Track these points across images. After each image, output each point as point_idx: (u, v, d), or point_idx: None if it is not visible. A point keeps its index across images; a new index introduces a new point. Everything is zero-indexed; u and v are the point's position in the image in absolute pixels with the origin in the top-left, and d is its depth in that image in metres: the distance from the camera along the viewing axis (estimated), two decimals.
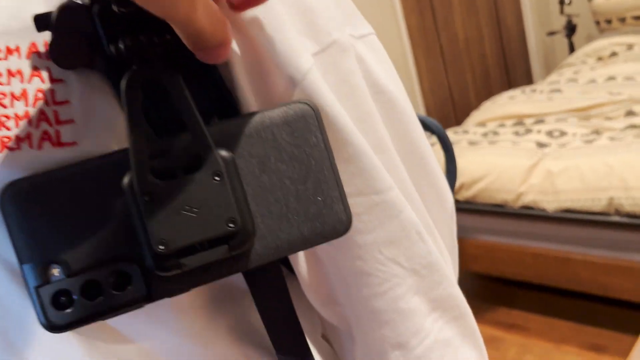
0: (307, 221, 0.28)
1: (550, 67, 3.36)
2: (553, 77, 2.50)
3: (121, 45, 0.25)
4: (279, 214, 0.28)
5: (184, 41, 0.25)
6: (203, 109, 0.27)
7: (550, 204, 1.57)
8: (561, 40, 3.31)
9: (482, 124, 2.08)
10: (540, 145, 1.73)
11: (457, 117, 2.88)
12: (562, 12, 3.11)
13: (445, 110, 2.87)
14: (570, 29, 3.10)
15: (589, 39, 3.12)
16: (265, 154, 0.27)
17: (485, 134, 1.93)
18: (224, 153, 0.26)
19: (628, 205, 1.44)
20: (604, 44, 2.63)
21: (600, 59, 2.56)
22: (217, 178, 0.26)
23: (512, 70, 3.23)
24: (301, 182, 0.28)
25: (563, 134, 1.77)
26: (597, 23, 2.96)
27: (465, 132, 1.99)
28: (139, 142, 0.25)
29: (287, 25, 0.29)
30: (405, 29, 2.62)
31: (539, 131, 1.83)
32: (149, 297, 0.26)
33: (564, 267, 1.57)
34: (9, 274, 0.27)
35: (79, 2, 0.26)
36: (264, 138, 0.28)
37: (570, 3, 3.08)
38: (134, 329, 0.30)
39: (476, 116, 2.19)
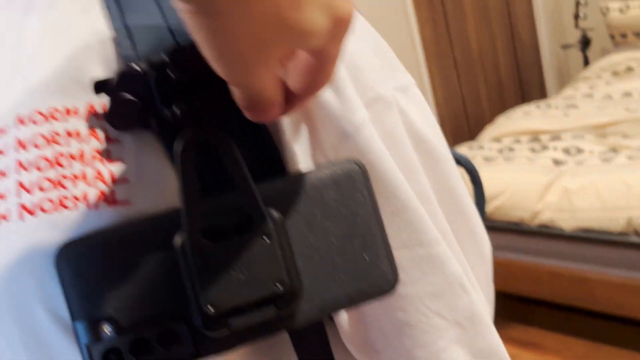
0: (353, 280, 0.28)
1: (564, 80, 3.35)
2: (568, 91, 2.49)
3: (176, 110, 0.26)
4: (326, 273, 0.28)
5: (237, 100, 0.25)
6: (251, 166, 0.27)
7: (567, 223, 1.56)
8: (575, 54, 3.30)
9: (497, 139, 2.08)
10: (557, 162, 1.72)
11: (470, 128, 2.87)
12: (576, 25, 3.10)
13: (458, 121, 2.86)
14: (585, 42, 3.08)
15: (604, 52, 3.11)
16: (312, 213, 0.28)
17: (500, 150, 1.93)
18: (273, 213, 0.27)
19: None
20: (620, 58, 2.62)
21: (615, 73, 2.54)
22: (266, 239, 0.26)
23: (526, 82, 3.22)
24: (348, 240, 0.28)
25: (580, 151, 1.76)
26: (612, 37, 2.95)
27: (481, 147, 1.99)
28: (192, 204, 0.25)
29: (342, 80, 0.30)
30: (419, 39, 2.62)
31: (555, 148, 1.82)
32: (196, 354, 0.27)
33: (580, 286, 1.56)
34: (62, 330, 0.27)
35: (137, 69, 0.26)
36: (312, 197, 0.28)
37: (585, 17, 3.07)
38: None
39: (491, 131, 2.19)
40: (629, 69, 2.50)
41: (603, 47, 3.20)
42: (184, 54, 0.25)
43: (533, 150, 1.86)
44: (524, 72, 3.20)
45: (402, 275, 0.30)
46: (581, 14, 3.07)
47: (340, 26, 0.24)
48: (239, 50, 0.22)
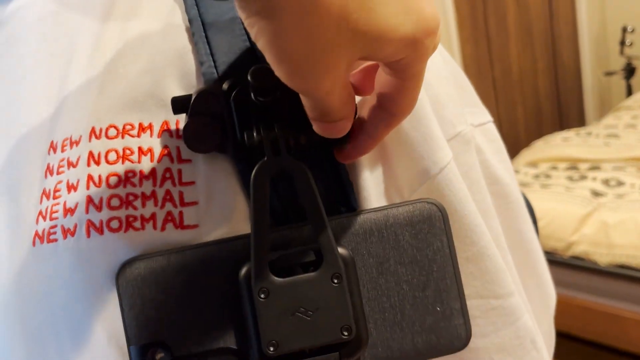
0: (422, 332, 0.26)
1: (605, 108, 3.27)
2: (609, 120, 2.43)
3: (254, 134, 0.25)
4: (393, 322, 0.26)
5: (308, 111, 0.24)
6: (322, 200, 0.26)
7: (603, 257, 1.51)
8: (618, 82, 3.22)
9: (533, 164, 2.03)
10: (596, 194, 1.67)
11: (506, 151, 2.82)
12: (622, 52, 3.02)
13: None
14: (630, 70, 3.01)
15: None
16: (385, 255, 0.26)
17: (536, 176, 1.88)
18: (344, 252, 0.25)
19: None
20: None
21: None
22: (336, 281, 0.25)
23: (565, 107, 3.15)
24: (420, 288, 0.26)
25: (620, 183, 1.71)
26: None
27: (516, 171, 1.95)
28: (262, 235, 0.24)
29: (426, 114, 0.28)
30: (460, 57, 2.59)
31: (594, 178, 1.77)
32: None
33: (613, 324, 1.50)
34: (120, 355, 0.26)
35: (218, 89, 0.25)
36: (385, 237, 0.26)
37: (631, 44, 3.00)
38: None
39: (526, 155, 2.14)
40: None
41: None
42: (267, 76, 0.24)
43: (571, 178, 1.82)
44: (564, 97, 3.14)
45: (473, 326, 0.28)
46: (627, 41, 3.00)
47: (423, 35, 0.21)
48: (302, 53, 0.20)
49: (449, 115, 0.30)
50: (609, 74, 3.14)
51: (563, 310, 1.58)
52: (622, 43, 3.00)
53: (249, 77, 0.24)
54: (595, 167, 1.87)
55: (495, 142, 0.34)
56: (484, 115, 0.34)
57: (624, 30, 2.99)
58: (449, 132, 0.30)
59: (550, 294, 0.37)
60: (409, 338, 0.26)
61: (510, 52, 2.82)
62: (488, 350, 0.29)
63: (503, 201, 0.33)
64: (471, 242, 0.28)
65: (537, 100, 2.99)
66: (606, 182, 1.73)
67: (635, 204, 1.56)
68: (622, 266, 1.48)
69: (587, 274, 1.56)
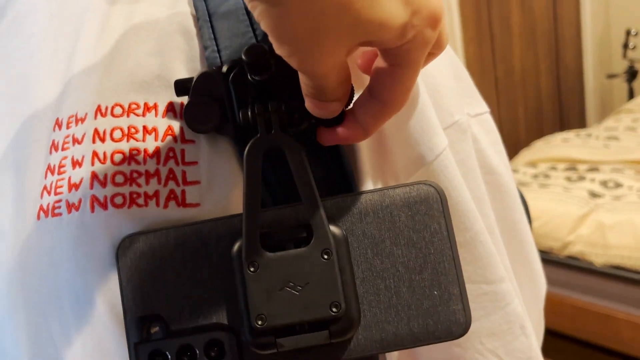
0: (419, 316, 0.26)
1: (606, 110, 3.27)
2: (610, 122, 2.43)
3: (249, 113, 0.25)
4: (388, 304, 0.26)
5: (303, 88, 0.24)
6: (319, 180, 0.27)
7: (598, 258, 1.52)
8: (620, 85, 3.22)
9: (532, 164, 2.04)
10: (593, 195, 1.68)
11: (506, 150, 2.83)
12: (624, 56, 3.03)
13: None
14: (632, 74, 3.01)
15: None
16: (380, 236, 0.27)
17: (535, 176, 1.89)
18: (335, 230, 0.26)
19: None
20: None
21: None
22: (325, 257, 0.25)
23: (566, 108, 3.15)
24: (417, 271, 0.26)
25: (618, 185, 1.71)
26: None
27: (515, 171, 1.95)
28: (253, 210, 0.25)
29: (424, 102, 0.29)
30: (463, 57, 2.59)
31: (592, 180, 1.77)
32: None
33: (605, 324, 1.51)
34: (120, 328, 0.27)
35: (218, 71, 0.26)
36: (381, 218, 0.27)
37: (634, 47, 3.00)
38: None
39: (526, 155, 2.15)
40: None
41: None
42: (261, 54, 0.25)
43: (569, 179, 1.82)
44: (565, 98, 3.14)
45: None
46: (630, 44, 3.00)
47: (423, 24, 0.22)
48: (304, 36, 0.21)
49: (446, 104, 0.31)
50: (611, 76, 3.14)
51: (557, 309, 1.60)
52: (626, 46, 3.00)
53: (242, 56, 0.24)
54: (594, 169, 1.88)
55: (492, 133, 0.34)
56: (481, 106, 0.35)
57: (628, 33, 3.00)
58: (446, 121, 0.30)
59: (541, 283, 0.38)
60: (405, 322, 0.26)
61: (513, 52, 2.82)
62: (478, 334, 0.30)
63: (497, 191, 0.34)
64: (464, 228, 0.29)
65: (538, 100, 2.99)
66: (604, 183, 1.74)
67: (632, 205, 1.57)
68: (617, 267, 1.49)
69: (582, 274, 1.57)
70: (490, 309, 0.30)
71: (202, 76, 0.26)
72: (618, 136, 2.17)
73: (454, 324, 0.26)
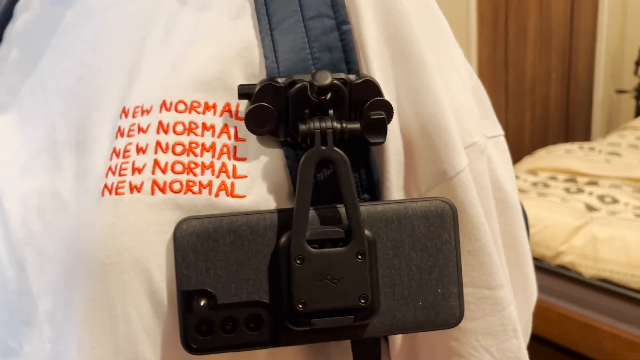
0: (423, 308, 0.31)
1: (611, 125, 3.30)
2: (614, 137, 2.46)
3: (306, 126, 0.29)
4: (400, 296, 0.31)
5: None
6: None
7: (588, 270, 1.57)
8: (629, 101, 3.24)
9: (533, 172, 2.08)
10: (590, 208, 1.72)
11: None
12: (636, 73, 3.05)
13: None
14: None
15: None
16: (400, 240, 0.31)
17: (535, 184, 1.93)
18: (368, 234, 0.30)
19: None
20: None
21: None
22: (360, 257, 0.29)
23: (573, 119, 3.18)
24: (426, 271, 0.31)
25: (615, 201, 1.75)
26: None
27: (516, 177, 1.99)
28: (303, 211, 0.29)
29: (449, 123, 0.32)
30: (476, 59, 2.61)
31: (590, 193, 1.81)
32: (275, 342, 0.30)
33: (588, 334, 1.57)
34: (174, 301, 0.30)
35: (279, 82, 0.29)
36: (403, 226, 0.31)
37: None
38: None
39: (528, 162, 2.18)
40: None
41: None
42: (327, 80, 0.28)
43: (568, 190, 1.86)
44: (573, 109, 3.17)
45: (465, 310, 0.33)
46: None
47: None
48: None
49: (467, 126, 0.34)
50: (621, 92, 3.16)
51: (543, 315, 1.65)
52: (638, 63, 3.02)
53: (311, 78, 0.28)
54: (593, 182, 1.91)
55: (504, 154, 0.38)
56: (497, 129, 0.38)
57: None
58: (466, 141, 0.34)
59: (533, 292, 0.41)
60: (412, 312, 0.31)
61: (526, 58, 2.84)
62: (475, 332, 0.34)
63: (504, 206, 0.37)
64: (475, 239, 0.32)
65: (546, 109, 3.02)
66: (601, 198, 1.78)
67: (626, 222, 1.61)
68: (605, 280, 1.54)
69: (570, 284, 1.61)
70: (488, 312, 0.34)
71: (265, 85, 0.29)
72: (620, 152, 2.20)
73: (450, 317, 0.31)
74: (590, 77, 3.20)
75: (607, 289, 1.54)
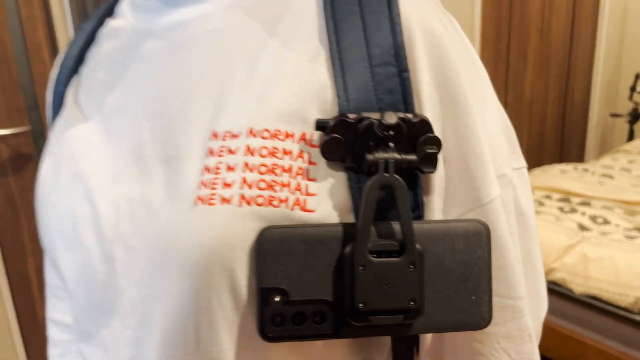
0: (459, 312, 0.37)
1: (605, 147, 3.39)
2: (607, 160, 2.55)
3: (371, 156, 0.35)
4: (440, 301, 0.36)
5: None
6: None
7: (578, 287, 1.64)
8: (622, 125, 3.33)
9: None
10: (582, 227, 1.79)
11: None
12: (630, 98, 3.14)
13: None
14: (635, 116, 3.13)
15: None
16: (443, 254, 0.37)
17: None
18: (418, 248, 0.36)
19: None
20: None
21: None
22: (411, 267, 0.35)
23: (568, 141, 3.27)
24: (463, 281, 0.37)
25: (606, 222, 1.83)
26: None
27: None
28: (366, 226, 0.35)
29: (485, 156, 0.38)
30: None
31: (583, 213, 1.89)
32: (336, 334, 0.36)
33: (576, 349, 1.63)
34: (243, 301, 0.36)
35: (350, 118, 0.35)
36: (446, 242, 0.37)
37: None
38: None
39: None
40: None
41: None
42: (393, 119, 0.34)
43: (562, 210, 1.94)
44: (569, 131, 3.25)
45: None
46: (638, 88, 3.11)
47: None
48: None
49: (499, 160, 0.40)
50: (615, 115, 3.25)
51: None
52: (633, 89, 3.11)
53: (380, 117, 0.34)
54: (585, 203, 1.99)
55: (526, 184, 0.44)
56: (522, 161, 0.44)
57: (637, 77, 3.10)
58: (497, 173, 0.40)
59: (543, 305, 0.47)
60: (449, 315, 0.36)
61: (525, 79, 2.92)
62: (496, 335, 0.40)
63: (523, 229, 0.43)
64: (501, 256, 0.39)
65: (542, 129, 3.10)
66: (593, 218, 1.85)
67: (616, 243, 1.68)
68: (594, 298, 1.61)
69: (561, 300, 1.68)
70: (509, 318, 0.40)
71: (338, 121, 0.35)
72: (613, 175, 2.28)
73: (481, 320, 0.37)
74: (586, 100, 3.29)
75: (595, 306, 1.61)
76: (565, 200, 2.04)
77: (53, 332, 0.65)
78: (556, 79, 3.09)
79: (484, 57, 2.67)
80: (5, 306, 1.89)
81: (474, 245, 0.37)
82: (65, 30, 1.82)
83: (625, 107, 3.28)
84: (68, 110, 0.49)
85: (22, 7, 1.73)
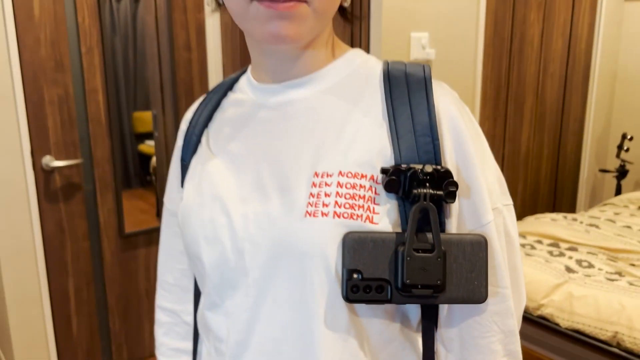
0: (467, 291, 0.58)
1: (594, 200, 3.60)
2: (594, 211, 2.77)
3: (416, 191, 0.57)
4: (456, 284, 0.58)
5: None
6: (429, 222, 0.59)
7: (564, 322, 1.83)
8: (611, 180, 3.55)
9: (522, 235, 2.36)
10: (569, 269, 2.00)
11: None
12: (618, 155, 3.36)
13: None
14: (622, 172, 3.34)
15: (637, 186, 3.36)
16: (457, 254, 0.58)
17: (523, 245, 2.21)
18: (443, 249, 0.58)
19: (629, 343, 1.70)
20: None
21: None
22: (438, 259, 0.57)
23: (560, 192, 3.47)
24: (469, 271, 0.58)
25: (591, 265, 2.04)
26: None
27: None
28: (412, 234, 0.57)
29: (484, 194, 0.61)
30: None
31: (570, 257, 2.10)
32: (390, 300, 0.57)
33: None
34: (333, 278, 0.58)
35: (403, 167, 0.58)
36: (459, 247, 0.58)
37: (627, 150, 3.36)
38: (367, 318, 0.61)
39: (519, 226, 2.47)
40: None
41: (637, 181, 3.46)
42: (430, 170, 0.57)
43: (551, 253, 2.15)
44: (561, 183, 3.46)
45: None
46: (625, 146, 3.34)
47: None
48: None
49: (493, 197, 0.63)
50: (604, 171, 3.47)
51: (524, 358, 1.90)
52: (620, 147, 3.34)
53: (422, 167, 0.57)
54: (573, 248, 2.20)
55: (512, 215, 0.66)
56: (509, 200, 0.67)
57: (624, 136, 3.34)
58: (492, 206, 0.62)
59: (523, 299, 0.69)
60: (460, 292, 0.57)
61: (522, 135, 3.17)
62: (490, 312, 0.61)
63: (510, 246, 0.65)
64: (493, 258, 0.60)
65: (537, 181, 3.32)
66: (579, 262, 2.06)
67: (598, 284, 1.89)
68: (578, 332, 1.80)
69: (549, 333, 1.87)
70: (498, 301, 0.62)
71: (395, 169, 0.58)
72: (599, 225, 2.50)
73: (481, 297, 0.57)
74: (578, 156, 3.52)
75: (579, 339, 1.80)
76: (555, 245, 2.25)
77: (160, 316, 0.88)
78: (550, 136, 3.31)
79: (485, 115, 2.92)
80: (45, 322, 2.07)
81: (477, 250, 0.59)
82: (113, 76, 2.07)
83: (614, 163, 3.51)
84: (203, 152, 0.72)
85: (84, 57, 2.00)
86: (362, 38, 2.12)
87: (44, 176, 1.99)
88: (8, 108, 1.85)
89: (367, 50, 2.17)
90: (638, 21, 3.47)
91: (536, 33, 3.06)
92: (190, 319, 0.83)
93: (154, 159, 2.42)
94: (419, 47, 2.34)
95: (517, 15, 2.91)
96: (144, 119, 2.38)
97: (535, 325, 1.91)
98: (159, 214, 2.48)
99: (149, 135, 2.37)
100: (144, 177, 2.49)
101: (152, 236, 2.30)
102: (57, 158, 2.00)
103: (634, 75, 3.52)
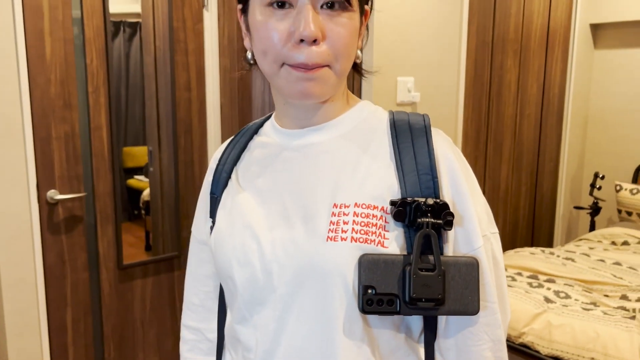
0: (462, 304, 0.69)
1: (570, 235, 3.74)
2: (570, 246, 2.91)
3: (419, 220, 0.69)
4: (452, 298, 0.69)
5: None
6: (431, 245, 0.70)
7: (544, 349, 1.94)
8: (585, 217, 3.69)
9: None
10: (547, 300, 2.12)
11: None
12: (591, 193, 3.52)
13: None
14: (595, 210, 3.49)
15: (609, 223, 3.51)
16: (454, 273, 0.70)
17: None
18: (442, 268, 0.69)
19: None
20: (620, 231, 3.01)
21: (613, 243, 2.96)
22: (440, 277, 0.68)
23: (538, 228, 3.58)
24: (464, 288, 0.70)
25: (567, 296, 2.16)
26: (619, 211, 3.35)
27: None
28: (417, 256, 0.68)
29: (476, 223, 0.73)
30: None
31: (548, 288, 2.22)
32: (398, 312, 0.68)
33: None
34: (350, 293, 0.69)
35: (408, 200, 0.70)
36: (455, 267, 0.70)
37: (600, 188, 3.52)
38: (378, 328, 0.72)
39: None
40: (625, 243, 2.93)
41: (610, 218, 3.61)
42: (432, 204, 0.69)
43: (530, 285, 2.27)
44: (538, 220, 3.57)
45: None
46: (597, 185, 3.50)
47: None
48: None
49: (483, 226, 0.74)
50: (578, 208, 3.62)
51: None
52: (593, 185, 3.50)
53: (425, 200, 0.69)
54: (550, 280, 2.33)
55: (498, 241, 0.78)
56: (495, 229, 0.79)
57: (596, 175, 3.50)
58: (482, 233, 0.74)
59: (508, 314, 0.80)
60: (456, 305, 0.67)
61: (501, 173, 3.30)
62: (481, 323, 0.72)
63: (497, 267, 0.77)
64: (483, 277, 0.71)
65: (515, 217, 3.43)
66: (557, 293, 2.18)
67: (575, 313, 2.01)
68: (558, 358, 1.91)
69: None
70: (488, 314, 0.72)
71: (402, 201, 0.70)
72: (575, 258, 2.64)
73: (474, 309, 0.68)
74: (554, 194, 3.66)
75: None
76: (534, 277, 2.37)
77: (185, 334, 0.98)
78: (527, 174, 3.45)
79: (466, 153, 3.07)
80: (42, 353, 2.10)
81: (470, 270, 0.70)
82: (116, 113, 2.16)
83: (587, 201, 3.67)
84: (233, 186, 0.83)
85: (91, 96, 2.11)
86: (355, 81, 2.28)
87: (47, 209, 2.06)
88: (17, 143, 1.93)
89: (359, 91, 2.32)
90: (607, 68, 3.68)
91: (513, 78, 3.26)
92: (213, 336, 0.93)
93: (145, 193, 2.50)
94: (405, 91, 2.50)
95: (495, 62, 3.11)
96: (134, 153, 2.48)
97: (517, 352, 2.01)
98: (147, 248, 2.55)
99: (136, 170, 2.46)
100: (132, 211, 2.56)
101: (147, 268, 2.37)
102: (61, 191, 2.08)
103: (604, 117, 3.70)
